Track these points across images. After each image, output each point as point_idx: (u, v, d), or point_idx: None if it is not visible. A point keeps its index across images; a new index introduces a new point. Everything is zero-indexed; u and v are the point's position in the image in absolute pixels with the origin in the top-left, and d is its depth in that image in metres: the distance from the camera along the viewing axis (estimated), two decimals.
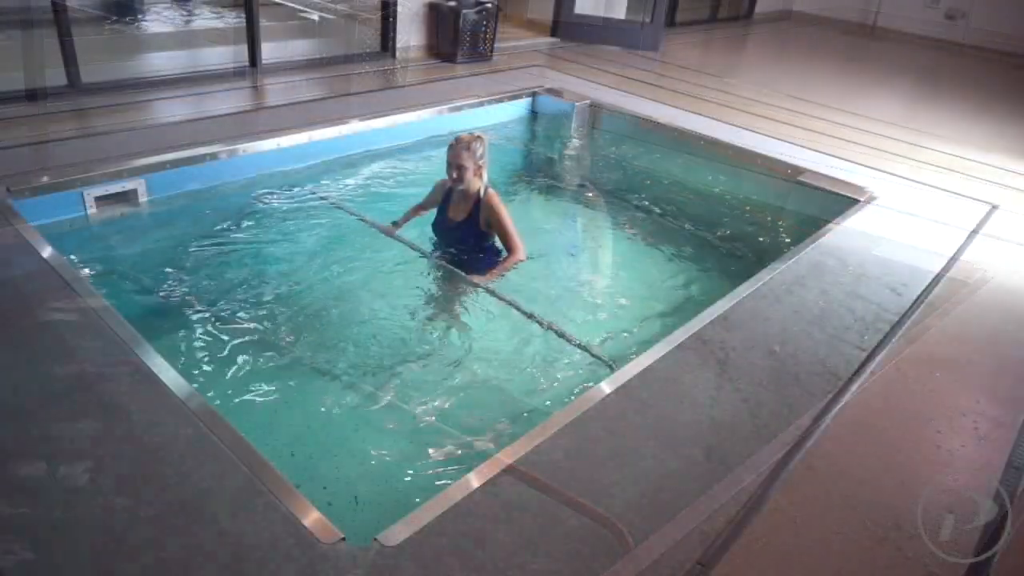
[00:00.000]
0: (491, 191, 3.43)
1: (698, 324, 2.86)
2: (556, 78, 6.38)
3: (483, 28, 6.67)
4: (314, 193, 4.24)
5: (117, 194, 3.72)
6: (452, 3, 6.53)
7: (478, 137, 3.37)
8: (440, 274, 3.48)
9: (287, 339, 2.99)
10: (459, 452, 2.48)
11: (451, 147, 3.33)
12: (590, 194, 4.82)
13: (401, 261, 3.57)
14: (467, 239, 3.47)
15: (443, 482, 2.27)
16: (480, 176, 3.39)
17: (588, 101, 5.81)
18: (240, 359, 2.86)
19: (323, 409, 2.67)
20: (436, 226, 3.61)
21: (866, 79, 8.06)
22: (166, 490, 1.84)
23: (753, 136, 5.31)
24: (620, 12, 8.42)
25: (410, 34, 6.67)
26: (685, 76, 7.12)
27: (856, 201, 4.29)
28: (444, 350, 3.04)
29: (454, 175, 3.35)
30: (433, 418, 2.64)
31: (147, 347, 2.38)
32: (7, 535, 1.69)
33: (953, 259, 3.68)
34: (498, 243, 3.52)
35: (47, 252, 2.88)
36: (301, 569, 1.66)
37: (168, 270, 3.42)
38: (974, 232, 4.05)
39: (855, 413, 2.45)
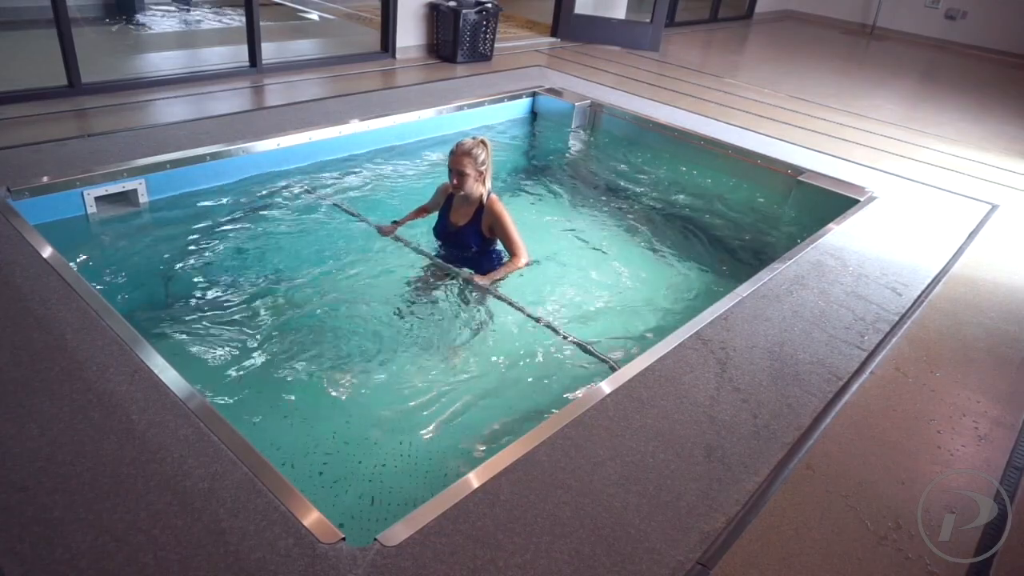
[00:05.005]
0: (493, 196, 3.40)
1: (698, 324, 2.86)
2: (556, 78, 6.38)
3: (483, 28, 6.67)
4: (313, 193, 4.24)
5: (117, 194, 3.73)
6: (452, 3, 6.53)
7: (480, 142, 3.32)
8: (440, 275, 3.47)
9: (287, 339, 2.99)
10: (459, 452, 2.49)
11: (452, 153, 3.29)
12: (589, 193, 4.82)
13: (401, 261, 3.56)
14: (469, 244, 3.46)
15: (443, 482, 2.28)
16: (483, 182, 3.35)
17: (588, 101, 5.81)
18: (240, 358, 2.86)
19: (321, 408, 2.67)
20: (438, 231, 3.58)
21: (866, 79, 8.06)
22: (166, 490, 1.84)
23: (753, 136, 5.31)
24: (620, 12, 8.44)
25: (410, 34, 6.67)
26: (685, 76, 7.12)
27: (856, 201, 4.30)
28: (444, 350, 3.04)
29: (455, 181, 3.31)
30: (433, 418, 2.64)
31: (147, 347, 2.38)
32: (6, 535, 1.69)
33: (953, 259, 3.68)
34: (500, 247, 3.52)
35: (47, 252, 2.88)
36: (301, 569, 1.66)
37: (168, 270, 3.42)
38: (974, 232, 4.05)
39: (855, 413, 2.45)
